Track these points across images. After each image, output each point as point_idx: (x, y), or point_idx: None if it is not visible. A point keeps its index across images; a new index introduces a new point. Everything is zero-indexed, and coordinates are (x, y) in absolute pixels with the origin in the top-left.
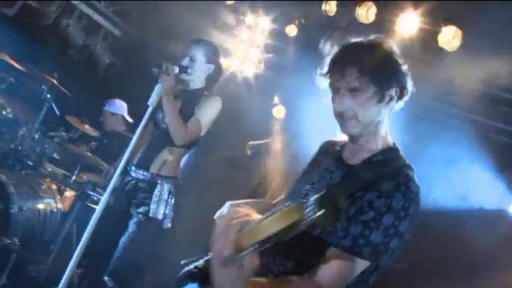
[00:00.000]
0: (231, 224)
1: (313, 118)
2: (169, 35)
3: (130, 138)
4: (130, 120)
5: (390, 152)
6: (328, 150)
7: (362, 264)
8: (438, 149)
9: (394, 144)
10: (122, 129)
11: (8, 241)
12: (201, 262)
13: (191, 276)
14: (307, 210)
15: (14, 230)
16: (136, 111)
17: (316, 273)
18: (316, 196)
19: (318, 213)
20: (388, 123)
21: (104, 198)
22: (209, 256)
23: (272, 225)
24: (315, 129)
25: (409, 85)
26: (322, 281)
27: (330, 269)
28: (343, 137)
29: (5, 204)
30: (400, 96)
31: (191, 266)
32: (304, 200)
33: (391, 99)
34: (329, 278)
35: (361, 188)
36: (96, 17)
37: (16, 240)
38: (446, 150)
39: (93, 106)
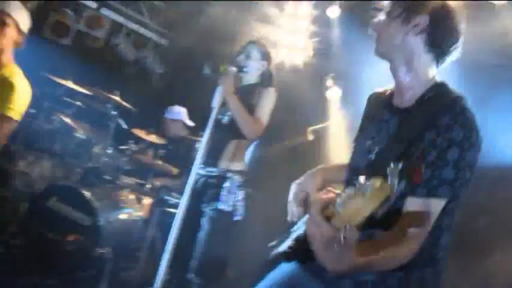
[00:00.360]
0: (321, 205)
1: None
2: (214, 36)
3: (194, 141)
4: (191, 124)
5: (440, 87)
6: (377, 100)
7: (442, 204)
8: (498, 108)
9: (442, 81)
10: (184, 133)
11: (102, 251)
12: (291, 242)
13: (286, 256)
14: (392, 184)
15: (105, 241)
16: (196, 113)
17: (402, 224)
18: (391, 167)
19: (401, 184)
20: (429, 62)
21: (184, 200)
22: (297, 235)
23: (365, 206)
24: None
25: (446, 29)
26: (409, 231)
27: (413, 217)
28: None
29: (93, 218)
30: (432, 33)
31: (283, 247)
32: (388, 175)
33: (418, 27)
34: (414, 227)
35: (420, 130)
36: (143, 30)
37: (108, 250)
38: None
39: (155, 116)
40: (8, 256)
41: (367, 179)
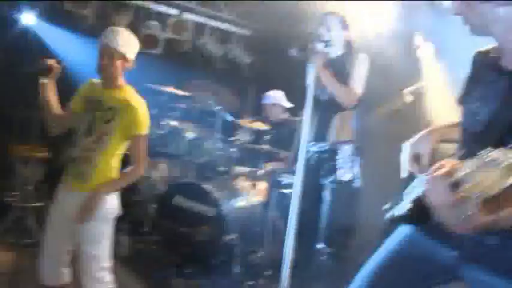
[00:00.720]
0: (446, 171)
1: (464, 45)
2: (294, 16)
3: (296, 122)
4: (289, 105)
5: None
6: (482, 61)
7: None
8: None
9: None
10: (285, 116)
11: (229, 238)
12: (409, 204)
13: (405, 219)
14: None
15: (230, 228)
16: (293, 94)
17: None
18: None
19: None
20: None
21: (298, 178)
22: (415, 197)
23: (501, 178)
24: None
25: None
26: None
27: None
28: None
29: (216, 209)
30: None
31: (401, 210)
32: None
33: None
34: None
35: None
36: (224, 26)
37: (235, 236)
38: None
39: (254, 104)
40: (146, 252)
41: (482, 143)
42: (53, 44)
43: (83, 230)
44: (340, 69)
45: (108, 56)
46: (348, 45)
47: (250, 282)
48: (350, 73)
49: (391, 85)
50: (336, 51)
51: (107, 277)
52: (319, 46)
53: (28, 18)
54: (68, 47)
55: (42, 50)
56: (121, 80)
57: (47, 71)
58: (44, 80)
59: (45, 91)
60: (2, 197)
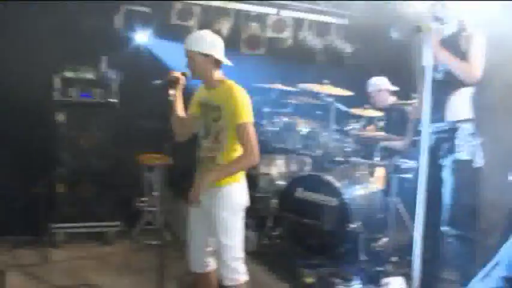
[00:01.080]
0: None
1: None
2: None
3: (405, 105)
4: (395, 89)
5: None
6: None
7: None
8: None
9: None
10: (392, 100)
11: (353, 226)
12: None
13: None
14: None
15: (354, 216)
16: (398, 78)
17: None
18: None
19: None
20: None
21: (423, 161)
22: None
23: None
24: None
25: None
26: None
27: None
28: None
29: (338, 198)
30: None
31: None
32: None
33: None
34: None
35: None
36: (322, 18)
37: (358, 224)
38: None
39: (361, 92)
40: (272, 245)
41: None
42: (165, 57)
43: (217, 222)
44: (455, 47)
45: (189, 58)
46: (462, 21)
47: (379, 268)
48: (468, 50)
49: (510, 59)
50: (450, 28)
51: (241, 267)
52: (434, 24)
53: (141, 37)
54: (178, 57)
55: (158, 64)
56: (217, 77)
57: (175, 82)
58: (172, 91)
59: (174, 101)
60: (134, 203)
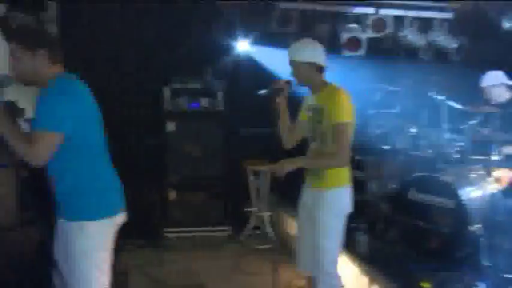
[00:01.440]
0: None
1: None
2: None
3: None
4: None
5: None
6: None
7: None
8: None
9: None
10: (509, 95)
11: (473, 229)
12: None
13: None
14: None
15: (473, 218)
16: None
17: None
18: None
19: None
20: None
21: None
22: None
23: None
24: None
25: None
26: None
27: None
28: None
29: (455, 200)
30: None
31: None
32: None
33: None
34: None
35: None
36: (423, 13)
37: (478, 226)
38: None
39: (472, 88)
40: (384, 249)
41: None
42: (269, 64)
43: (319, 224)
44: None
45: (293, 67)
46: None
47: (508, 275)
48: None
49: None
50: None
51: (337, 272)
52: None
53: (243, 46)
54: (280, 63)
55: (261, 71)
56: (320, 82)
57: (280, 91)
58: (279, 100)
59: (281, 110)
60: (242, 208)
